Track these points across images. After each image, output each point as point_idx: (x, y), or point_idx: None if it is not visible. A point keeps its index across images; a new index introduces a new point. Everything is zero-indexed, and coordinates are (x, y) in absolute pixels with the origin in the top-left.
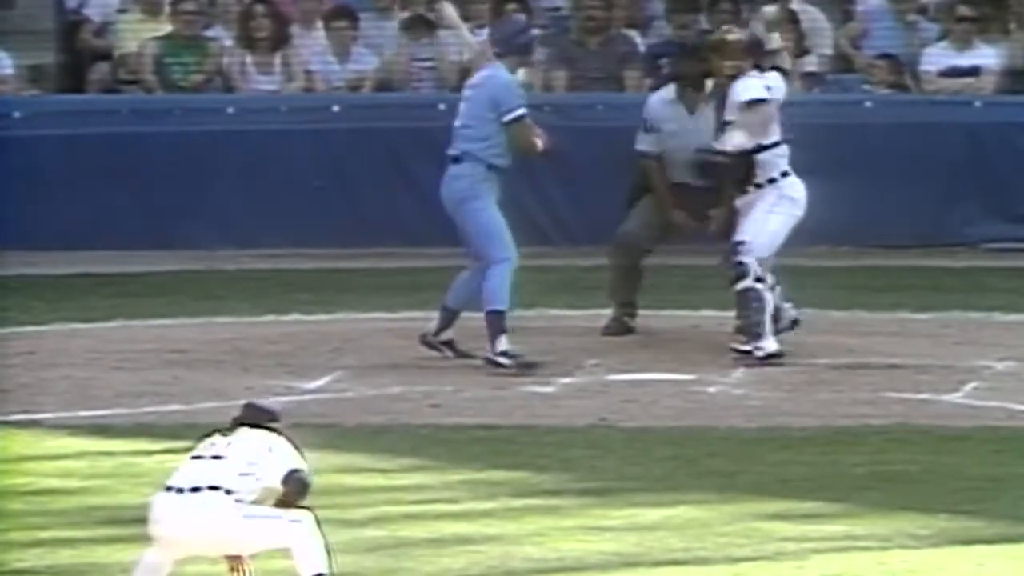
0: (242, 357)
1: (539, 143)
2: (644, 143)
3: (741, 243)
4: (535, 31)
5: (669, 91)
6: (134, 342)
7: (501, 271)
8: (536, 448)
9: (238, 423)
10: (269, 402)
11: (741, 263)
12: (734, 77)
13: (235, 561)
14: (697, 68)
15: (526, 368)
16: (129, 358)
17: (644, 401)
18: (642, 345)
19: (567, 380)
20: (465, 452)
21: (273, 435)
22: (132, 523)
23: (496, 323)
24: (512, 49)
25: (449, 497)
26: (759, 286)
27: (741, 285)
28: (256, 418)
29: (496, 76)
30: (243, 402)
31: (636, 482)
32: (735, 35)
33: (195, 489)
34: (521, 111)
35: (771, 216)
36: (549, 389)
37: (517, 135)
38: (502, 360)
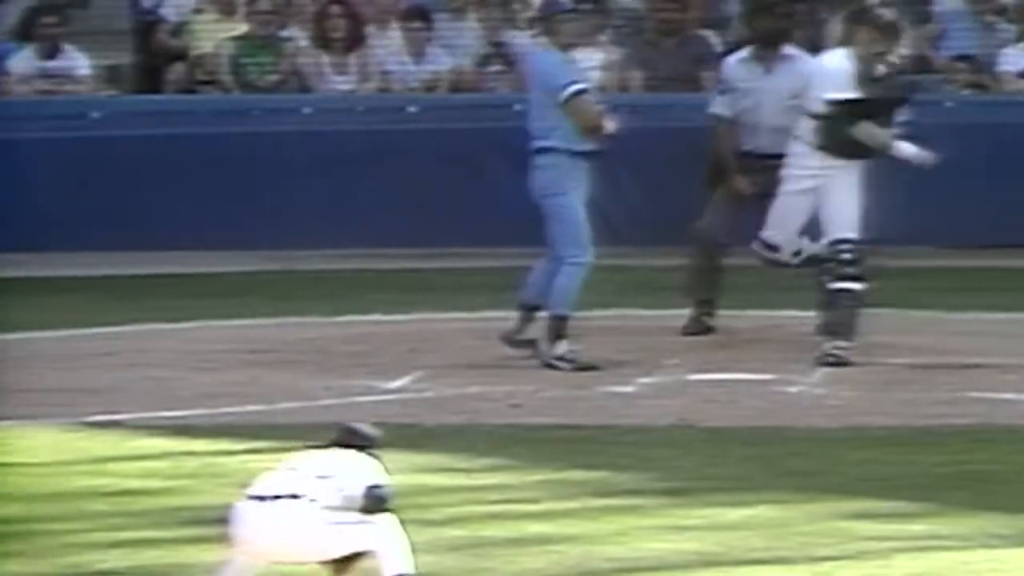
0: (322, 357)
1: (608, 124)
2: (718, 106)
3: (848, 241)
4: (564, 3)
5: (746, 51)
6: (214, 342)
7: (573, 273)
8: (616, 448)
9: (332, 445)
10: (366, 427)
11: (853, 263)
12: (878, 55)
13: (341, 566)
14: (774, 26)
15: (587, 369)
16: (209, 358)
17: (724, 401)
18: (722, 345)
19: (647, 380)
20: (545, 452)
21: (361, 454)
22: (214, 524)
23: (557, 327)
24: (543, 28)
25: (530, 497)
26: (861, 289)
27: (847, 285)
28: (351, 442)
29: (542, 60)
30: (340, 425)
31: (716, 482)
32: (883, 13)
33: (277, 497)
34: (575, 87)
35: (856, 201)
36: (629, 389)
37: (575, 112)
38: (560, 364)
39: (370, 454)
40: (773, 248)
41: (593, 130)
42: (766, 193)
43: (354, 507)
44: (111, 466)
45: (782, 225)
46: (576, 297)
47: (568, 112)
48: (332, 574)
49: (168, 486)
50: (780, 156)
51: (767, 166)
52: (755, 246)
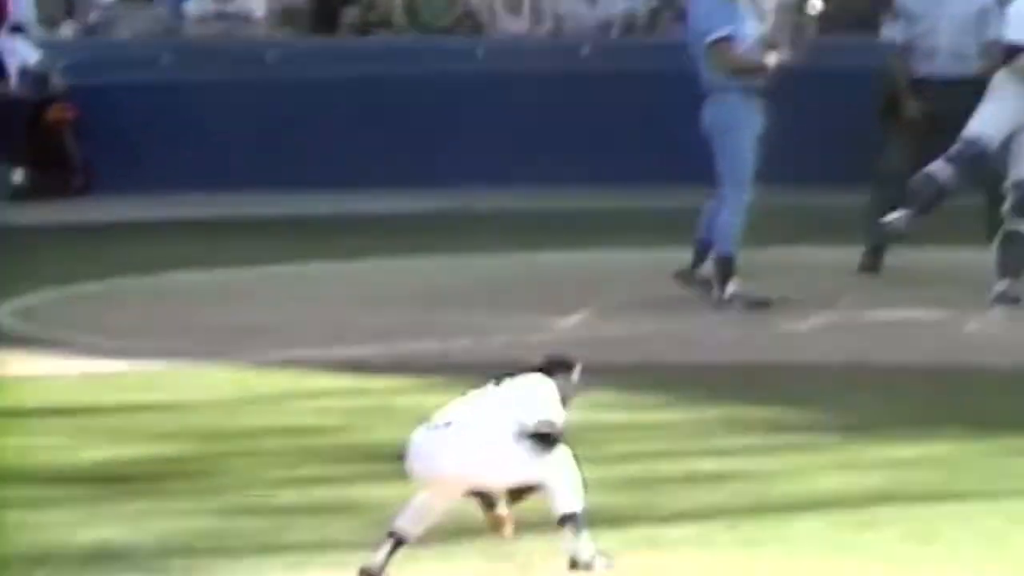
0: (495, 295)
1: (769, 58)
2: (892, 31)
3: None
4: None
5: None
6: (388, 280)
7: (732, 212)
8: (790, 385)
9: (534, 371)
10: (565, 351)
11: None
12: None
13: (512, 498)
14: None
15: (759, 306)
16: (383, 296)
17: (899, 339)
18: (898, 283)
19: (821, 318)
20: (719, 390)
21: (545, 382)
22: (390, 460)
23: (724, 267)
24: None
25: (704, 433)
26: None
27: (1021, 228)
28: (550, 368)
29: (699, 3)
30: (541, 355)
31: (891, 419)
32: None
33: (448, 424)
34: (717, 34)
35: None
36: (804, 327)
37: (714, 60)
38: (732, 303)
39: (567, 380)
40: (974, 143)
41: (740, 73)
42: (941, 123)
43: (526, 438)
44: (287, 404)
45: (992, 127)
46: (739, 236)
47: (709, 59)
48: (492, 510)
49: (344, 423)
50: (957, 82)
51: (943, 92)
52: (959, 149)
